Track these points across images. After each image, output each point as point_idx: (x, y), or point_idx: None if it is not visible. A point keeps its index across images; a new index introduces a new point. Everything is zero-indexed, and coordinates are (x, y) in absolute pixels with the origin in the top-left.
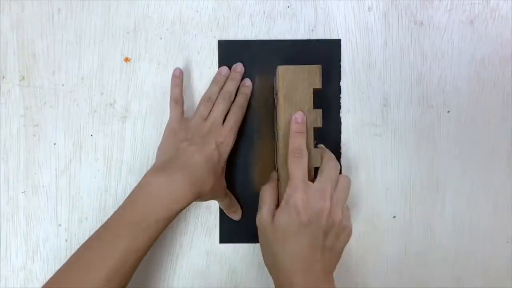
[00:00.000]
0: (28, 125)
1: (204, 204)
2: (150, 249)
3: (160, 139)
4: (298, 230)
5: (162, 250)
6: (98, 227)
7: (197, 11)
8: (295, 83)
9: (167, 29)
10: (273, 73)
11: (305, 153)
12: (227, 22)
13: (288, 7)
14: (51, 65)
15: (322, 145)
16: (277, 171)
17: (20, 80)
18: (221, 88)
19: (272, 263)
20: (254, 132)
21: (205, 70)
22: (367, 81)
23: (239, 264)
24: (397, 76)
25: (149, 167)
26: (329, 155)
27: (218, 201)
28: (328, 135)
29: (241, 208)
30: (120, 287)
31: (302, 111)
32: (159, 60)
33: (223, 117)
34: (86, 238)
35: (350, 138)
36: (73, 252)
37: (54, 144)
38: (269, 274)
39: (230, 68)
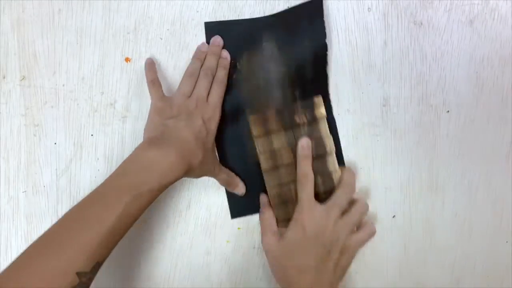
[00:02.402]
0: (29, 125)
1: (204, 204)
2: (150, 249)
3: None
4: (304, 244)
5: (162, 250)
6: None
7: (198, 11)
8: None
9: (168, 29)
10: (260, 50)
11: (311, 177)
12: None
13: (288, 7)
14: (51, 65)
15: (347, 167)
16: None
17: (21, 80)
18: (202, 64)
19: (282, 276)
20: (245, 106)
21: None
22: (366, 81)
23: (239, 264)
24: (396, 76)
25: None
26: (346, 179)
27: (215, 178)
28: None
29: (244, 182)
30: (108, 252)
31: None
32: (159, 60)
33: (206, 92)
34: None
35: (350, 138)
36: None
37: (55, 143)
38: (269, 275)
39: None
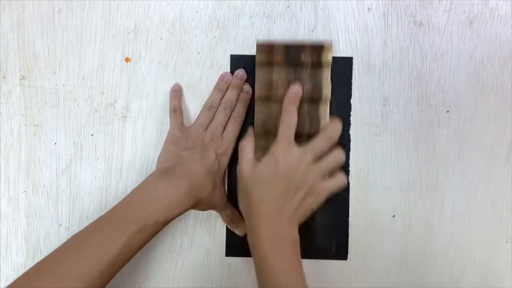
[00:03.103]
0: (29, 125)
1: None
2: (150, 249)
3: (161, 138)
4: (273, 178)
5: (162, 250)
6: None
7: (197, 11)
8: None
9: (168, 29)
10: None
11: (294, 118)
12: (227, 23)
13: (288, 7)
14: (51, 65)
15: (336, 119)
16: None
17: (21, 80)
18: (223, 96)
19: (245, 206)
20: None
21: (205, 70)
22: (366, 81)
23: (239, 264)
24: (396, 76)
25: (149, 167)
26: (331, 128)
27: (219, 213)
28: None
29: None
30: (107, 282)
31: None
32: (159, 60)
33: (223, 126)
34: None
35: (350, 138)
36: None
37: (55, 143)
38: None
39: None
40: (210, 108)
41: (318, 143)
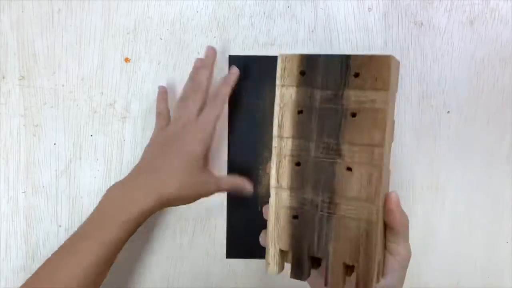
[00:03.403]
0: (28, 125)
1: (204, 204)
2: (150, 249)
3: None
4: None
5: (162, 250)
6: None
7: (197, 11)
8: None
9: (167, 29)
10: None
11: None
12: (227, 23)
13: (288, 7)
14: (51, 65)
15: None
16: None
17: (20, 80)
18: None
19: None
20: (264, 145)
21: None
22: None
23: (239, 264)
24: None
25: None
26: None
27: (219, 191)
28: None
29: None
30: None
31: None
32: (159, 60)
33: (195, 110)
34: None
35: None
36: None
37: (54, 144)
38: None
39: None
40: (183, 97)
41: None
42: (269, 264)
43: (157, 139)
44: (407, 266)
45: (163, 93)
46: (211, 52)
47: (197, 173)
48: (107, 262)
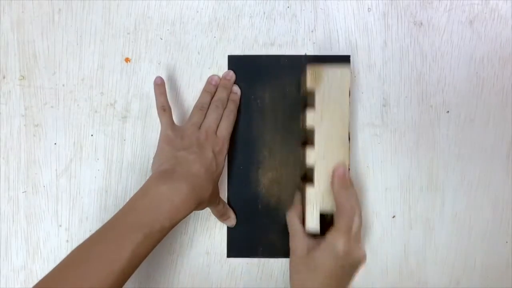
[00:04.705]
0: (29, 125)
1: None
2: None
3: None
4: (333, 270)
5: (162, 250)
6: (98, 227)
7: (197, 12)
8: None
9: (168, 30)
10: (282, 87)
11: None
12: (227, 23)
13: (288, 7)
14: (51, 65)
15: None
16: (304, 183)
17: (21, 80)
18: (212, 97)
19: (300, 285)
20: (264, 144)
21: (205, 71)
22: (366, 81)
23: (239, 264)
24: (396, 76)
25: (149, 167)
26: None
27: (211, 209)
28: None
29: (247, 223)
30: None
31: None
32: (159, 60)
33: (216, 124)
34: (87, 238)
35: (350, 138)
36: None
37: (55, 144)
38: (269, 274)
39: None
40: (202, 108)
41: (359, 219)
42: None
43: (176, 141)
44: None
45: (162, 86)
46: (231, 75)
47: (216, 184)
48: (132, 271)
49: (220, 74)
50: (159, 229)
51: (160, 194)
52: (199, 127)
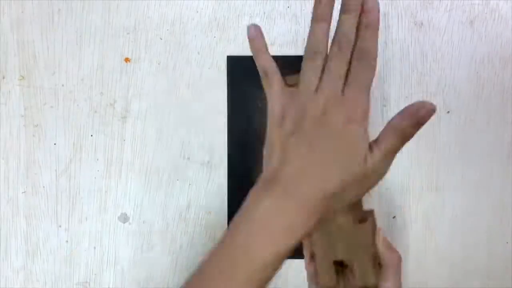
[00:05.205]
0: (28, 125)
1: (204, 204)
2: (150, 249)
3: (161, 139)
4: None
5: (162, 250)
6: (98, 227)
7: (197, 12)
8: None
9: (167, 29)
10: None
11: None
12: (227, 23)
13: (288, 7)
14: (51, 65)
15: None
16: None
17: (20, 80)
18: (328, 28)
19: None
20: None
21: (205, 71)
22: None
23: None
24: (397, 77)
25: (149, 167)
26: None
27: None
28: None
29: None
30: None
31: None
32: (159, 60)
33: (343, 79)
34: (86, 238)
35: None
36: (72, 251)
37: (54, 144)
38: None
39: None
40: (315, 55)
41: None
42: None
43: (286, 120)
44: None
45: (257, 40)
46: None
47: (358, 165)
48: None
49: (220, 74)
50: (275, 257)
51: (262, 212)
52: (316, 90)
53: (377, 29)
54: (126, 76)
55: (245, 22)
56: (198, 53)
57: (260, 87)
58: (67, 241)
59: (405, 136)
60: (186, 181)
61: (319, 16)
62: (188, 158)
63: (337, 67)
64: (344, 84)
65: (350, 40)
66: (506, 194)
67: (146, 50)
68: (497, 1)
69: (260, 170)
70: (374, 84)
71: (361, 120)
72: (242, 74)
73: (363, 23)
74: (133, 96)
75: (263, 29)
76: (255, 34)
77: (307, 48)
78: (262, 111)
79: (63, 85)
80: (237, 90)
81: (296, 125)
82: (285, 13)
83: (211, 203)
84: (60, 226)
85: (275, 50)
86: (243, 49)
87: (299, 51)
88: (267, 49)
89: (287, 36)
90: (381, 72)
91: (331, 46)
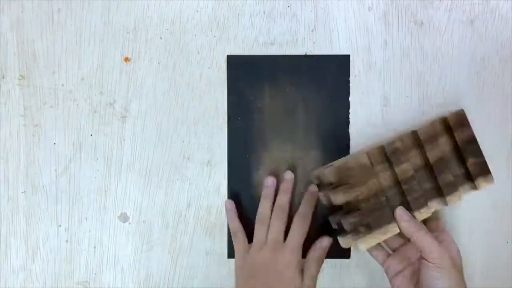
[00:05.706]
0: (28, 125)
1: (204, 204)
2: (150, 249)
3: (160, 138)
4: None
5: (162, 250)
6: (98, 227)
7: (197, 11)
8: None
9: (167, 29)
10: (282, 87)
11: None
12: (227, 22)
13: (288, 7)
14: (51, 65)
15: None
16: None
17: (20, 80)
18: (273, 203)
19: None
20: (263, 145)
21: (205, 70)
22: (367, 81)
23: None
24: (397, 76)
25: (148, 167)
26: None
27: None
28: (336, 153)
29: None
30: None
31: None
32: (159, 60)
33: (282, 235)
34: (86, 238)
35: (350, 139)
36: (72, 252)
37: (54, 144)
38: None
39: None
40: (262, 221)
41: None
42: None
43: (246, 269)
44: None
45: (232, 211)
46: (290, 176)
47: None
48: None
49: (220, 74)
50: None
51: None
52: (265, 242)
53: (313, 202)
54: (126, 75)
55: (245, 21)
56: (198, 52)
57: (260, 87)
58: (67, 241)
59: (323, 259)
60: (186, 181)
61: (266, 195)
62: (188, 158)
63: (277, 228)
64: (285, 237)
65: (285, 209)
66: (506, 194)
67: (146, 49)
68: (497, 0)
69: (260, 170)
70: (374, 84)
71: (291, 264)
72: (242, 73)
73: (281, 188)
74: (133, 95)
75: (263, 29)
76: (229, 207)
77: (257, 217)
78: (262, 110)
79: (63, 85)
80: (237, 90)
81: (254, 273)
82: (285, 12)
83: (211, 203)
84: (60, 226)
85: (275, 49)
86: (243, 49)
87: (299, 51)
88: (237, 216)
89: (287, 35)
90: (381, 72)
91: (272, 213)
